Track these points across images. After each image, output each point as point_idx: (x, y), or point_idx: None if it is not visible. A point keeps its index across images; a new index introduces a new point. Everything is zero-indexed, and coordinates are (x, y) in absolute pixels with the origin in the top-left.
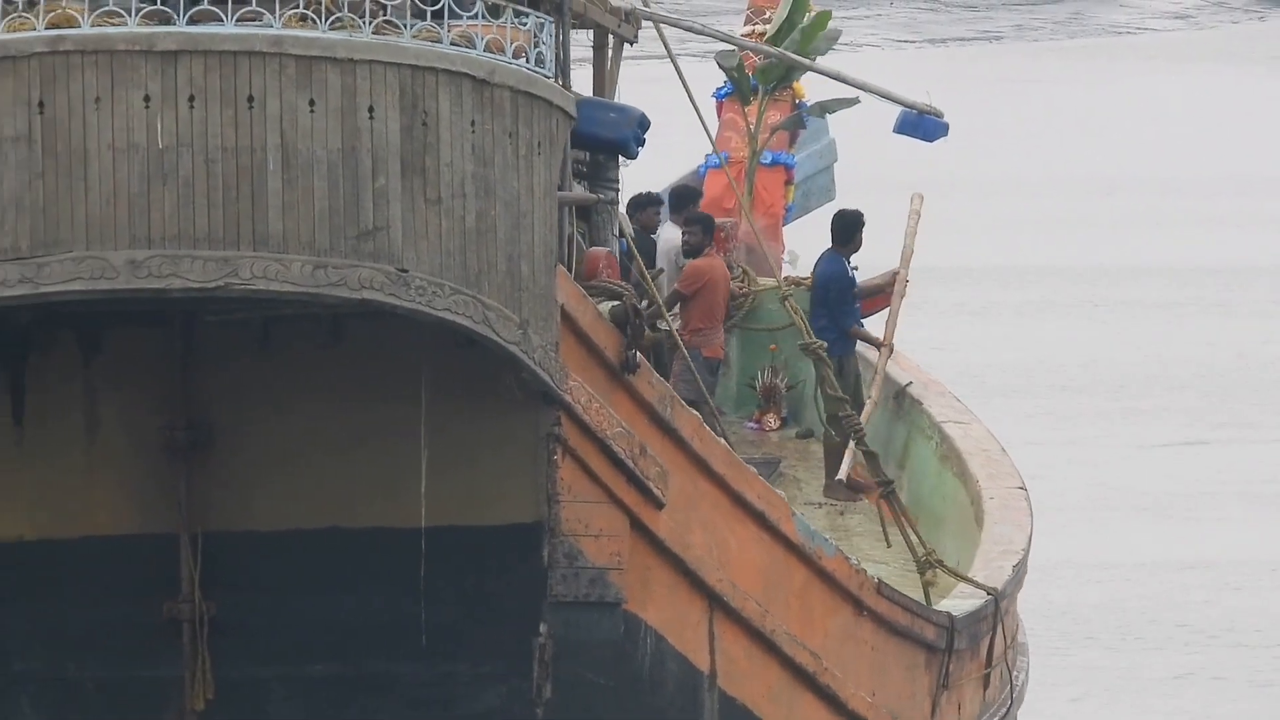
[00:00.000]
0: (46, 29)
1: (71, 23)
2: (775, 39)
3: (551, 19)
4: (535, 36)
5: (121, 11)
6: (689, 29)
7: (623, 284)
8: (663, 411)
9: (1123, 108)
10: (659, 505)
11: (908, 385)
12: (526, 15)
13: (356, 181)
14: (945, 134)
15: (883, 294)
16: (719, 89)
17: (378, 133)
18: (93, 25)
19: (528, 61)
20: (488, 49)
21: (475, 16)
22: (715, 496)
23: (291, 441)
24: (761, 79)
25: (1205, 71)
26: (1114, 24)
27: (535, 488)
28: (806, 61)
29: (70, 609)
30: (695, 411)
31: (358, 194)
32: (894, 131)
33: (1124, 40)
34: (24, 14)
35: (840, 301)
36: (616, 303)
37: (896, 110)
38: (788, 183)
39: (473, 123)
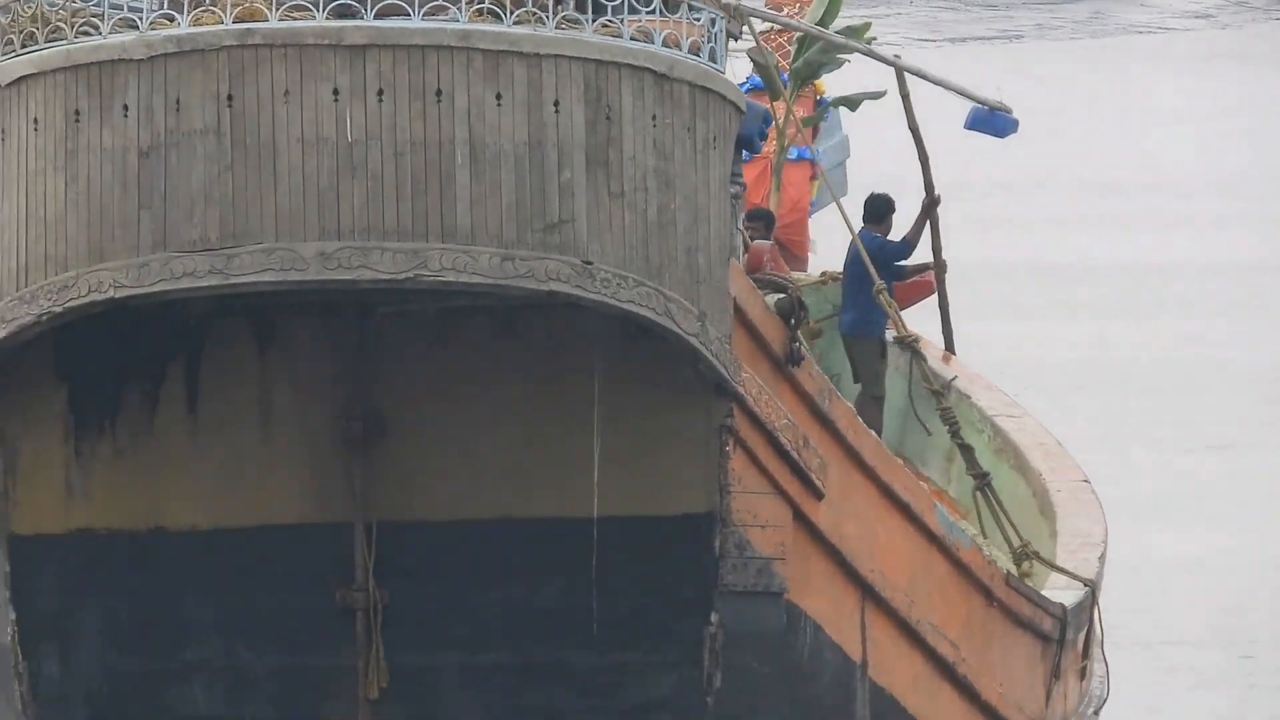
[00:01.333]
0: (234, 22)
1: (259, 16)
2: (807, 41)
3: (722, 14)
4: (708, 31)
5: (309, 5)
6: (788, 26)
7: (787, 277)
8: (821, 404)
9: (1143, 107)
10: (819, 496)
11: (953, 380)
12: (700, 10)
13: (543, 175)
14: (1015, 130)
15: (921, 276)
16: (740, 85)
17: (563, 126)
18: (280, 19)
19: (702, 56)
20: (665, 44)
21: (652, 12)
22: (866, 488)
23: (464, 432)
24: (792, 77)
25: (1226, 71)
26: (1134, 23)
27: (707, 479)
28: (898, 62)
29: (243, 597)
30: (848, 403)
31: (544, 187)
32: (965, 128)
33: (1145, 39)
34: (211, 7)
35: (886, 266)
36: (781, 295)
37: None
38: (812, 178)
39: (654, 117)
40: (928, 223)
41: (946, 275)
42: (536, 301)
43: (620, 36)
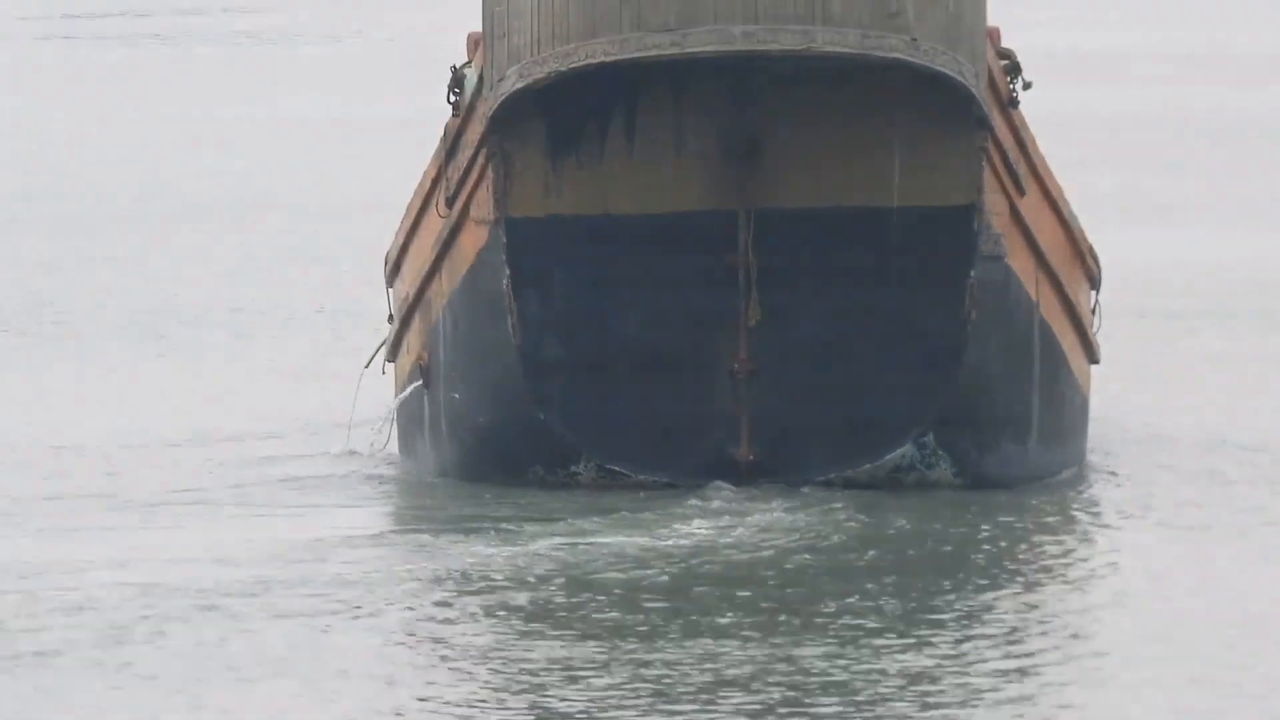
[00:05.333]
0: None
1: None
2: None
3: None
4: None
5: None
6: None
7: (1007, 48)
8: (1023, 134)
9: None
10: (1023, 194)
11: None
12: None
13: None
14: None
15: None
16: None
17: None
18: None
19: None
20: None
21: None
22: (1038, 188)
23: (809, 149)
24: None
25: None
26: None
27: (971, 182)
28: None
29: (662, 259)
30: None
31: None
32: None
33: None
34: None
35: None
36: (1006, 60)
37: None
38: None
39: None
40: None
41: None
42: (878, 64)
43: None
